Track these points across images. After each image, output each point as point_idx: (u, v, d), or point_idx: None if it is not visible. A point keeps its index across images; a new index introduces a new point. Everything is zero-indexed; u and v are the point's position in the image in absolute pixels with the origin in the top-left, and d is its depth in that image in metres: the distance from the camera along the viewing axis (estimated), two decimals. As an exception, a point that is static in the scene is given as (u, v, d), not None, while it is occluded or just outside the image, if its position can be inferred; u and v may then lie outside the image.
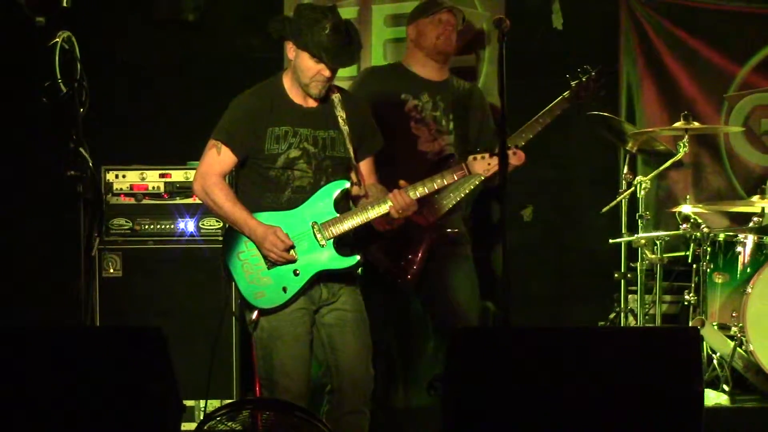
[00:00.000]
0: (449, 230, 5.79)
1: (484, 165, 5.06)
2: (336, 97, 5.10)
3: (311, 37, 4.88)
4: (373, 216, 4.99)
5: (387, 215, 5.02)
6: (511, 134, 5.72)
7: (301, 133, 5.01)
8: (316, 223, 4.96)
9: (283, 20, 5.05)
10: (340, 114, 5.06)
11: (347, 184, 5.03)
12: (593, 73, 6.01)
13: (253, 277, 4.96)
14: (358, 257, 5.00)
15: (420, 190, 5.02)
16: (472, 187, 5.69)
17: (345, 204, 5.05)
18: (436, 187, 5.09)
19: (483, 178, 5.20)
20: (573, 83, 5.99)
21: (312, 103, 5.05)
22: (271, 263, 4.93)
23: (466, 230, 5.95)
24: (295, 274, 4.94)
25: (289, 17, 5.07)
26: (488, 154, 5.04)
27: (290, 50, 5.00)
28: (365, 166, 5.18)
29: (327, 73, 4.94)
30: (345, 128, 5.05)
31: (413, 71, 5.98)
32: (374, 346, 5.17)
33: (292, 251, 4.93)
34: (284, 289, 4.94)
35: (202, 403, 5.80)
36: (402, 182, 5.01)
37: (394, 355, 6.13)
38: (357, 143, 5.10)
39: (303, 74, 4.96)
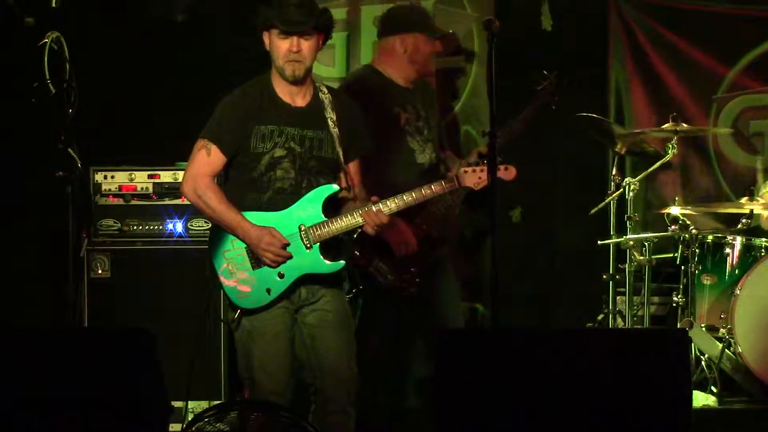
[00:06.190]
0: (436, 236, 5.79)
1: (474, 178, 5.05)
2: (326, 97, 5.06)
3: (271, 11, 4.87)
4: (358, 222, 4.94)
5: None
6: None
7: (288, 132, 4.96)
8: (303, 225, 4.94)
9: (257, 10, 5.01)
10: (330, 115, 5.02)
11: (336, 188, 4.99)
12: (553, 77, 6.04)
13: (238, 276, 4.95)
14: (343, 262, 4.98)
15: (391, 205, 4.95)
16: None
17: (333, 208, 5.01)
18: (424, 196, 5.03)
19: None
20: (539, 88, 6.02)
21: (300, 102, 5.02)
22: (257, 263, 4.92)
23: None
24: (280, 276, 4.92)
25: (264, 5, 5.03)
26: (479, 167, 5.01)
27: (265, 39, 4.97)
28: (353, 167, 5.14)
29: (293, 47, 4.86)
30: (334, 130, 5.01)
31: (392, 79, 5.86)
32: (362, 348, 5.15)
33: (287, 249, 4.91)
34: (268, 291, 4.93)
35: (190, 404, 5.78)
36: (374, 198, 4.95)
37: (383, 357, 6.12)
38: (346, 145, 5.07)
39: (275, 57, 4.93)
